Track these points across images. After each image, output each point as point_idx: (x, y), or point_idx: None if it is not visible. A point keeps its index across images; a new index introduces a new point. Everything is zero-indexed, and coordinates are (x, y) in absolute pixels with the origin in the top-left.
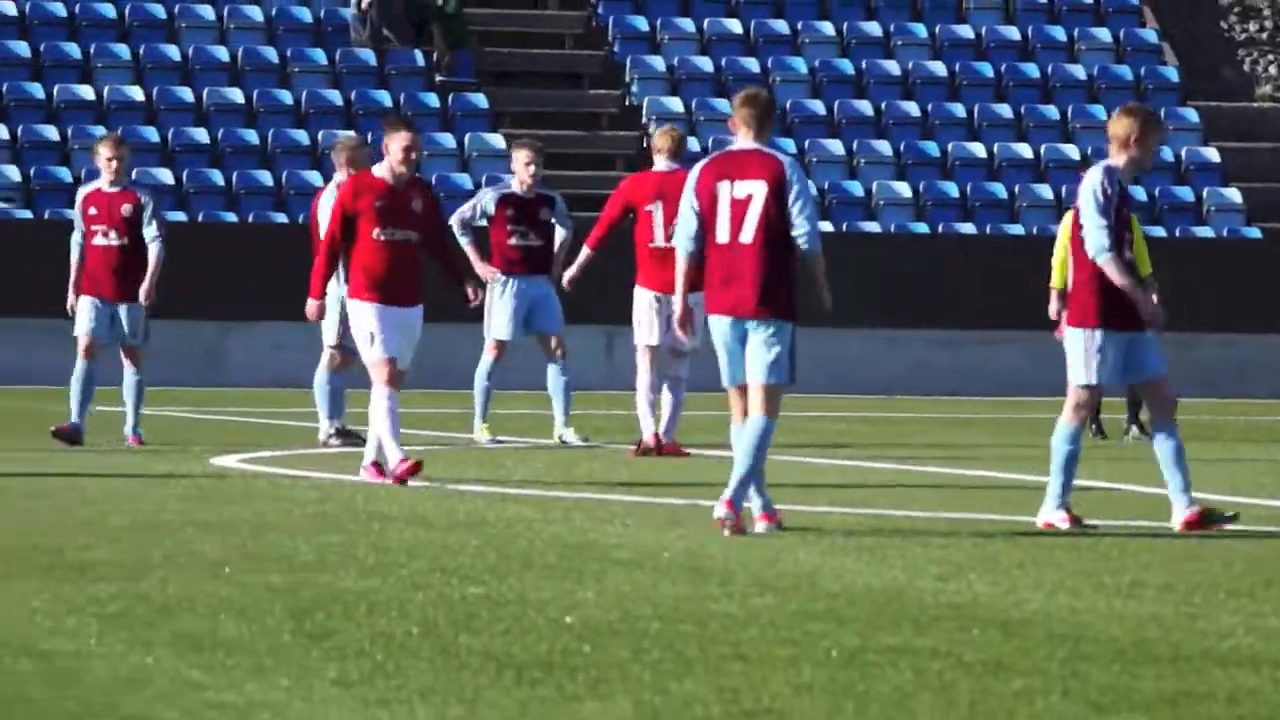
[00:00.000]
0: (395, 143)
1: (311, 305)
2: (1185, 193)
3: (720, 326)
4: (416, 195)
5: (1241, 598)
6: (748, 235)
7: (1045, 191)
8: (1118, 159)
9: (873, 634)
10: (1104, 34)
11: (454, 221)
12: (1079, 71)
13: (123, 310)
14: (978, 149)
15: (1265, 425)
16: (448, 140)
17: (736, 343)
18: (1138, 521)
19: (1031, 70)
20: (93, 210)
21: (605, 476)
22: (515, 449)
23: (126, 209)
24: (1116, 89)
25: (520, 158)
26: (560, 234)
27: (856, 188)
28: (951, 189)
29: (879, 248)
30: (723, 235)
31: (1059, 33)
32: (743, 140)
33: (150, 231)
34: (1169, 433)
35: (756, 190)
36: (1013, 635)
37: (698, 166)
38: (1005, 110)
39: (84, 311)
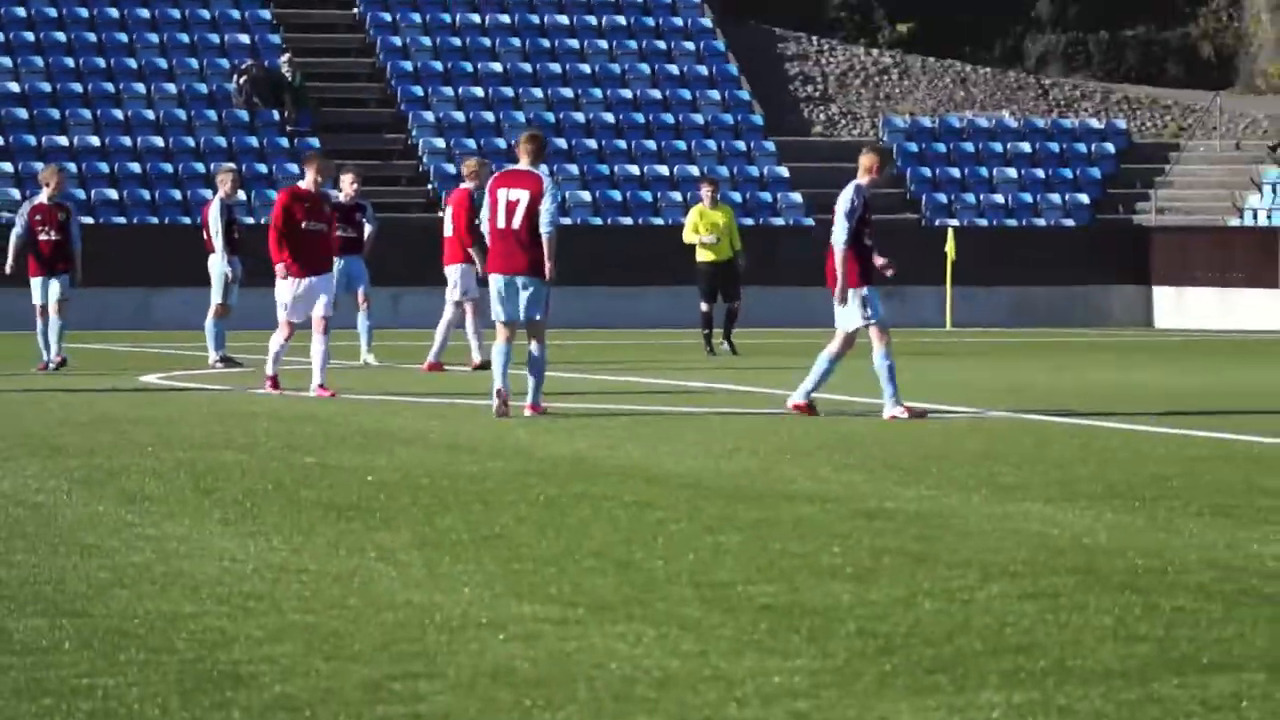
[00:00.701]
0: (311, 169)
1: (279, 268)
2: (765, 196)
3: (499, 282)
4: (326, 203)
5: (803, 456)
6: (517, 223)
7: (676, 196)
8: (863, 180)
9: (565, 484)
10: (715, 94)
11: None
12: (698, 118)
13: (54, 281)
14: (658, 170)
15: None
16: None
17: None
18: (734, 409)
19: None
20: (38, 216)
21: (394, 385)
22: (342, 368)
23: (61, 215)
24: (722, 130)
25: (348, 179)
26: (368, 228)
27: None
28: (627, 194)
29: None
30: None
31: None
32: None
33: (74, 230)
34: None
35: (524, 196)
36: (654, 484)
37: (490, 179)
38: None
39: (36, 287)
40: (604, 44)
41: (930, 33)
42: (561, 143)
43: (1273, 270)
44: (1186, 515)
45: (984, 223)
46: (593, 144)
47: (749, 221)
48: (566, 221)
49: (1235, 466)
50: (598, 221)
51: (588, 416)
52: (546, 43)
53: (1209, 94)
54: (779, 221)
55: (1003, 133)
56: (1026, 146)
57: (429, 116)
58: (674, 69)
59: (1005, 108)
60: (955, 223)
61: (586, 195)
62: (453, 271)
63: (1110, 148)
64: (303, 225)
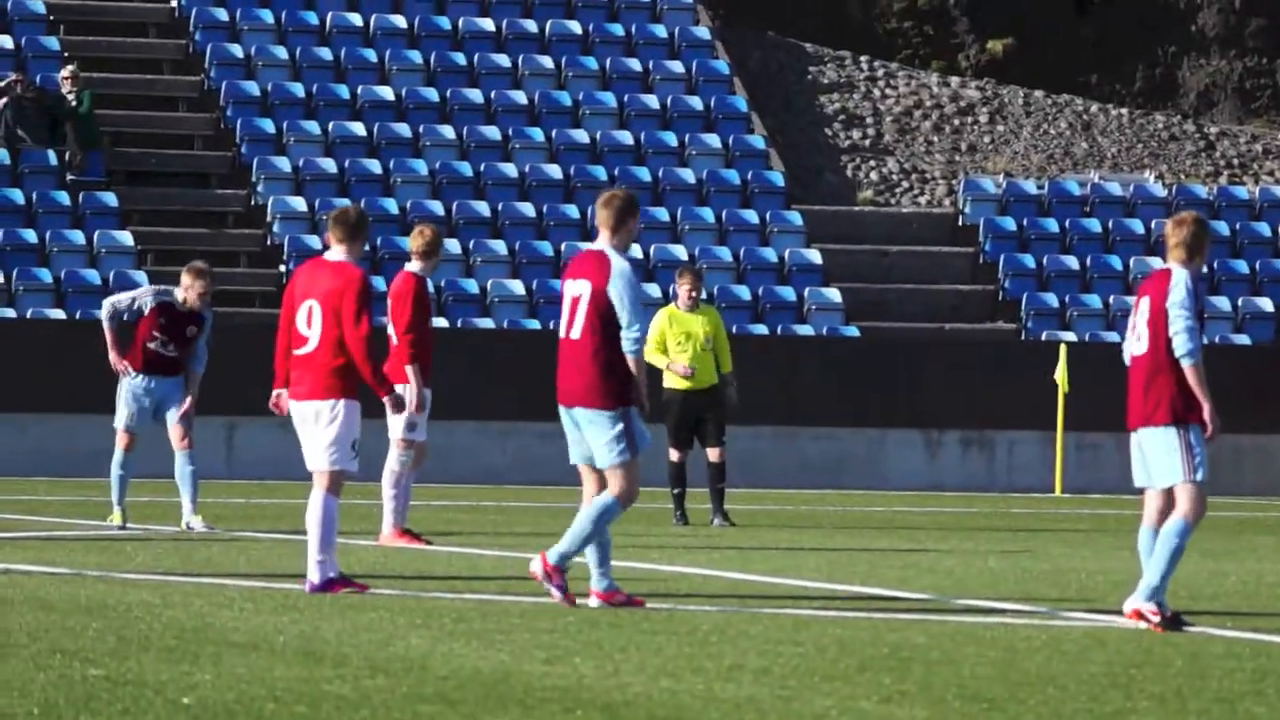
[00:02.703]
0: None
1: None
2: (788, 292)
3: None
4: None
5: (835, 680)
6: (577, 331)
7: (655, 290)
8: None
9: (480, 716)
10: (713, 140)
11: (106, 305)
12: (689, 175)
13: None
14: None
15: (859, 515)
16: (77, 237)
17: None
18: (732, 606)
19: (643, 174)
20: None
21: (224, 562)
22: (138, 535)
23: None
24: (724, 192)
25: (197, 285)
26: (198, 363)
27: (472, 285)
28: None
29: (495, 342)
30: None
31: (670, 138)
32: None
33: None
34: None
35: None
36: (615, 717)
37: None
38: None
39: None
40: (548, 62)
41: (1036, 55)
42: (483, 208)
43: None
44: None
45: (1114, 338)
46: (529, 210)
47: (759, 330)
48: (487, 324)
49: None
50: (535, 325)
51: (516, 614)
52: (462, 59)
53: None
54: (806, 330)
55: (1145, 204)
56: (1167, 220)
57: (282, 164)
58: (652, 101)
59: (1150, 167)
60: (1071, 337)
61: (518, 286)
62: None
63: None
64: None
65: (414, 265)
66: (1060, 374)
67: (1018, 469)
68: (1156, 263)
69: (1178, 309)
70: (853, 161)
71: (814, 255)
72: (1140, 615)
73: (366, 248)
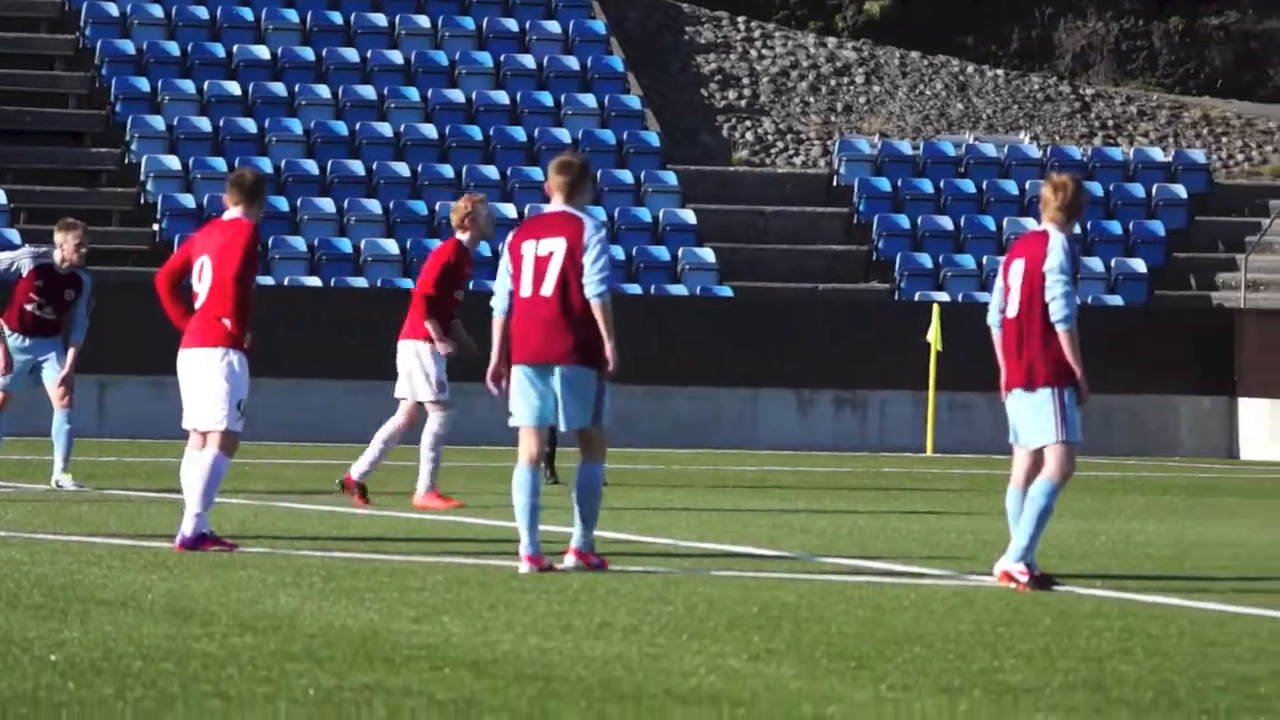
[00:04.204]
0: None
1: None
2: (661, 252)
3: (524, 374)
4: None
5: (704, 639)
6: (549, 288)
7: None
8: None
9: (348, 673)
10: (589, 99)
11: None
12: (564, 135)
13: None
14: None
15: (732, 474)
16: None
17: None
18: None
19: (519, 133)
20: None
21: (94, 520)
22: (8, 494)
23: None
24: (600, 152)
25: (70, 239)
26: (78, 332)
27: (346, 244)
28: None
29: (365, 301)
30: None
31: (546, 98)
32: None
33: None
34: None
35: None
36: (483, 674)
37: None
38: (492, 171)
39: None
40: (425, 21)
41: (914, 15)
42: (358, 167)
43: None
44: None
45: (988, 298)
46: (404, 170)
47: (633, 290)
48: (361, 283)
49: None
50: (409, 284)
51: (386, 573)
52: (338, 18)
53: None
54: (679, 290)
55: (1019, 165)
56: (1042, 182)
57: (156, 123)
58: (528, 60)
59: (1025, 129)
60: (944, 297)
61: (392, 245)
62: (423, 352)
63: (1181, 191)
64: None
65: (460, 235)
66: (933, 334)
67: (889, 429)
68: (1031, 223)
69: (1055, 273)
70: (728, 122)
71: (688, 215)
72: (1010, 577)
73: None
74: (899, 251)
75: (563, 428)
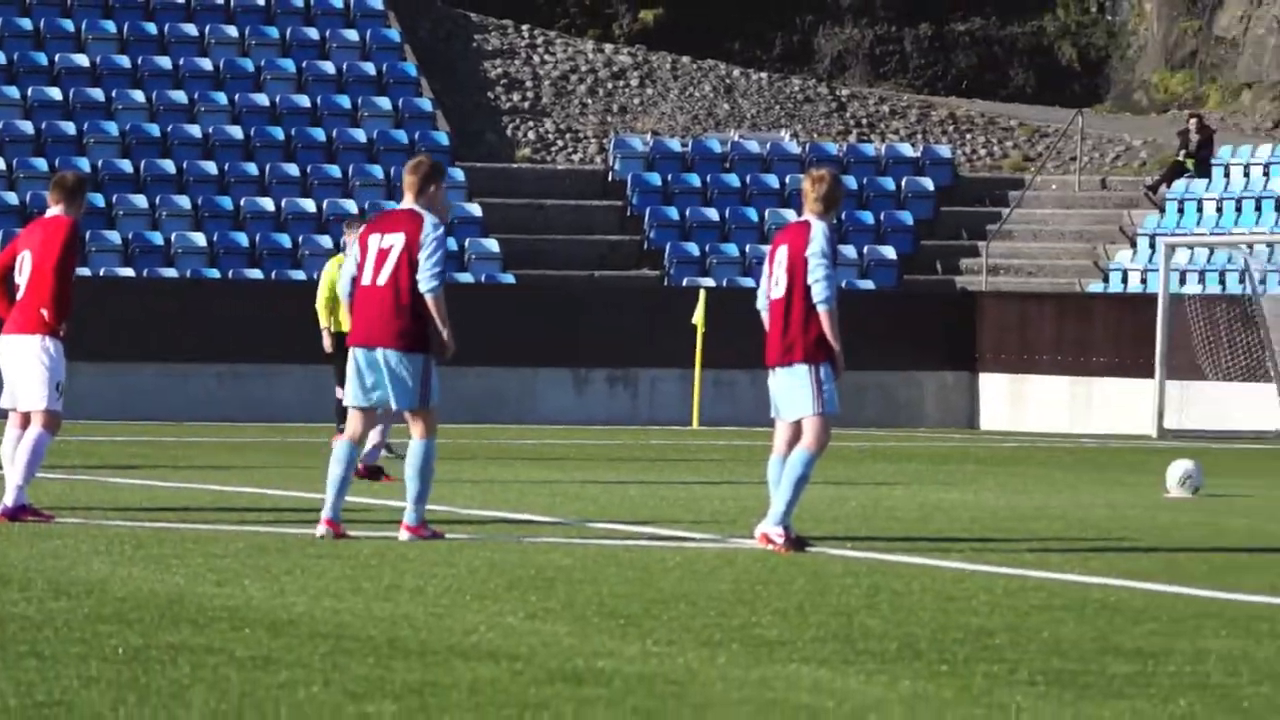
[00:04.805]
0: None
1: None
2: (450, 243)
3: (358, 357)
4: None
5: (485, 599)
6: (384, 278)
7: (326, 241)
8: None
9: (155, 633)
10: (384, 102)
11: None
12: (361, 135)
13: None
14: (268, 203)
15: (514, 447)
16: None
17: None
18: (393, 532)
19: (319, 134)
20: None
21: None
22: None
23: None
24: (394, 151)
25: None
26: None
27: (158, 237)
28: (243, 239)
29: (175, 290)
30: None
31: (344, 101)
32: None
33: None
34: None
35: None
36: (280, 634)
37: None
38: (293, 169)
39: None
40: (233, 30)
41: (684, 23)
42: (170, 166)
43: (1145, 354)
44: (1013, 684)
45: (750, 283)
46: (211, 168)
47: None
48: (172, 274)
49: (1082, 619)
50: (215, 274)
51: (191, 540)
52: (153, 28)
53: (1067, 112)
54: (466, 278)
55: (780, 161)
56: (802, 176)
57: None
58: (328, 66)
59: (785, 127)
60: (710, 283)
61: (200, 238)
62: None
63: (928, 183)
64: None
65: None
66: (699, 317)
67: (659, 404)
68: (790, 214)
69: (817, 258)
70: (512, 122)
71: (475, 209)
72: (768, 539)
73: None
74: (669, 241)
75: (394, 408)
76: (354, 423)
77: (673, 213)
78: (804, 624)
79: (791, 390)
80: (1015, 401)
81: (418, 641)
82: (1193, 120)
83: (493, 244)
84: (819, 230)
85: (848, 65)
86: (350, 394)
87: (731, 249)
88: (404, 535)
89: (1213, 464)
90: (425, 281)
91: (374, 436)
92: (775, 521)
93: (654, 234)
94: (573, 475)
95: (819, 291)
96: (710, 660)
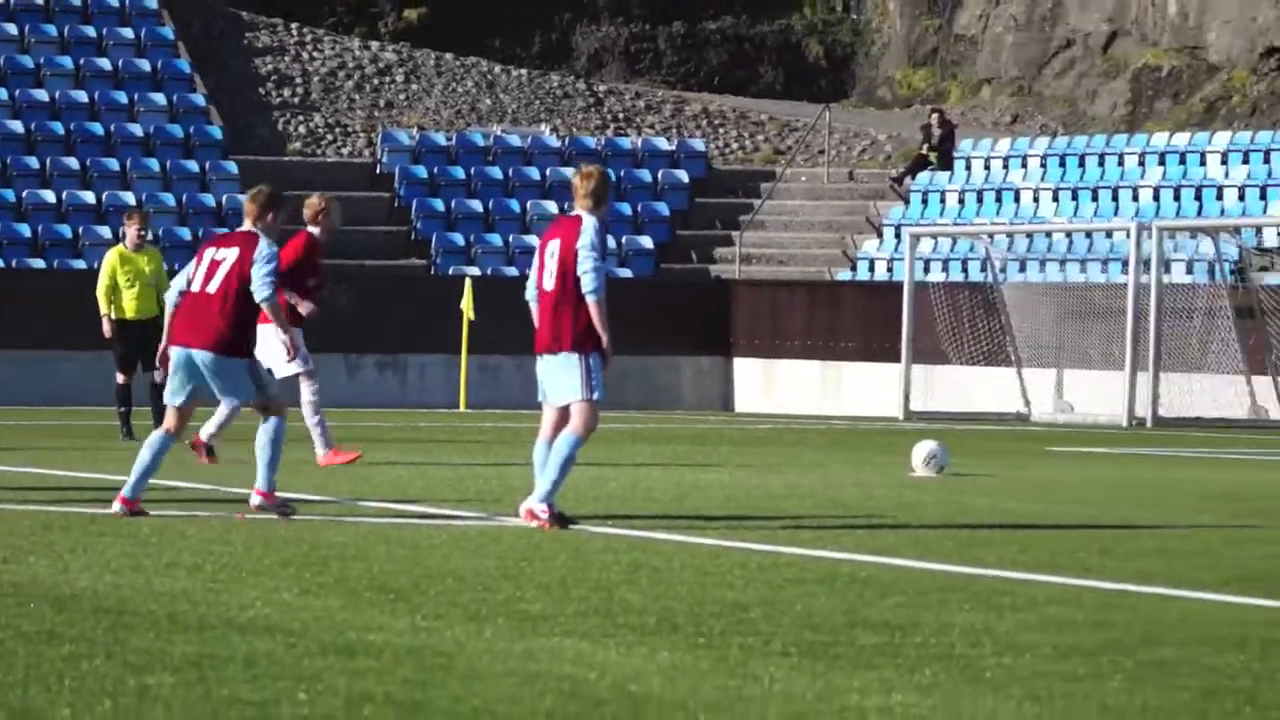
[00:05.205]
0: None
1: None
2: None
3: (178, 356)
4: None
5: (261, 575)
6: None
7: (105, 232)
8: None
9: None
10: (160, 98)
11: None
12: (138, 129)
13: None
14: (49, 195)
15: (289, 429)
16: None
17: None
18: (171, 511)
19: (97, 128)
20: None
21: None
22: None
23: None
24: (169, 144)
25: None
26: None
27: None
28: (25, 230)
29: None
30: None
31: (121, 96)
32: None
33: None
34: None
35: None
36: (63, 609)
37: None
38: (73, 162)
39: None
40: (12, 29)
41: (448, 22)
42: None
43: (892, 339)
44: (767, 655)
45: (514, 272)
46: None
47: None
48: None
49: (833, 593)
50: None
51: None
52: None
53: (815, 107)
54: None
55: (541, 154)
56: (572, 173)
57: None
58: (104, 63)
59: (545, 121)
60: (475, 271)
61: None
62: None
63: (683, 176)
64: None
65: (312, 228)
66: (466, 304)
67: (427, 388)
68: (552, 206)
69: (586, 250)
70: (283, 117)
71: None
72: (533, 515)
73: None
74: (435, 231)
75: (223, 404)
76: (169, 417)
77: (438, 204)
78: (566, 599)
79: (560, 376)
80: (768, 385)
81: (196, 616)
82: (935, 115)
83: None
84: (589, 224)
85: (604, 62)
86: (167, 390)
87: (495, 239)
88: (255, 500)
89: (956, 444)
90: (260, 290)
91: (317, 426)
92: (540, 498)
93: (420, 224)
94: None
95: (588, 282)
96: (477, 633)
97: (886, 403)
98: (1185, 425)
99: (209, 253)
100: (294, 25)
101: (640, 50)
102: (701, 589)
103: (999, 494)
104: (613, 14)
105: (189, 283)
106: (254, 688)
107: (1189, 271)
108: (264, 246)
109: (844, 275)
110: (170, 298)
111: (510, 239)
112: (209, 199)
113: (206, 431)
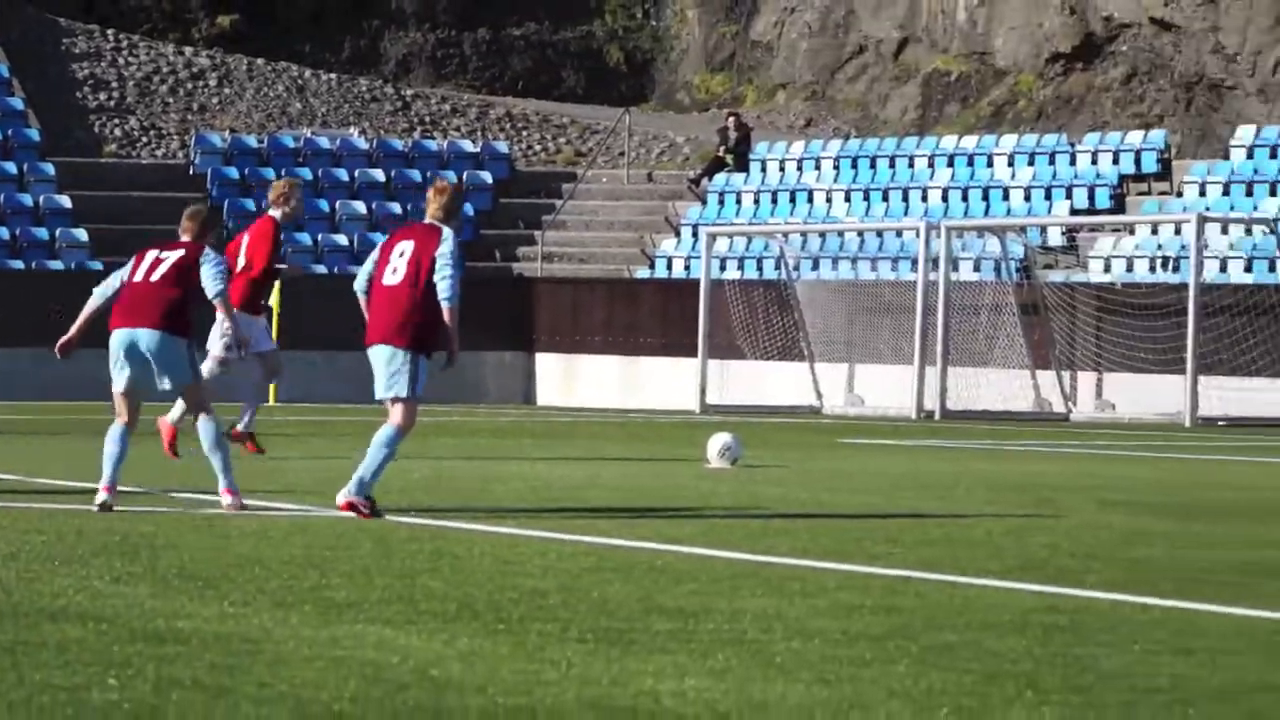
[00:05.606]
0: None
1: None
2: (42, 233)
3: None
4: None
5: (73, 564)
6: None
7: None
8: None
9: None
10: None
11: None
12: None
13: None
14: None
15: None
16: None
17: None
18: None
19: None
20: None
21: None
22: None
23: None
24: None
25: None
26: None
27: None
28: None
29: None
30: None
31: None
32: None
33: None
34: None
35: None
36: None
37: None
38: None
39: None
40: None
41: (259, 28)
42: None
43: (689, 335)
44: (565, 641)
45: (323, 270)
46: None
47: (17, 265)
48: None
49: (629, 580)
50: None
51: None
52: None
53: (616, 111)
54: (56, 265)
55: (350, 156)
56: (380, 174)
57: None
58: None
59: (354, 124)
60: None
61: None
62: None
63: (487, 176)
64: None
65: (274, 211)
66: (275, 300)
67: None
68: (360, 206)
69: (446, 258)
70: (100, 120)
71: (65, 200)
72: (351, 506)
73: None
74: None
75: (164, 388)
76: (120, 407)
77: (250, 204)
78: (370, 586)
79: (388, 371)
80: (569, 379)
81: (10, 604)
82: (731, 118)
83: (82, 234)
84: (449, 235)
85: (412, 67)
86: (114, 380)
87: (304, 238)
88: (226, 500)
89: (750, 436)
90: (211, 286)
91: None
92: (355, 490)
93: (233, 224)
94: (155, 448)
95: (445, 289)
96: (283, 620)
97: (684, 396)
98: (972, 418)
99: (150, 254)
100: (110, 31)
101: (446, 55)
102: (501, 576)
103: (791, 484)
104: (420, 20)
105: (122, 282)
106: (66, 674)
107: (976, 269)
108: (210, 253)
109: (643, 273)
110: (99, 291)
111: (319, 238)
112: (27, 199)
113: (241, 423)
